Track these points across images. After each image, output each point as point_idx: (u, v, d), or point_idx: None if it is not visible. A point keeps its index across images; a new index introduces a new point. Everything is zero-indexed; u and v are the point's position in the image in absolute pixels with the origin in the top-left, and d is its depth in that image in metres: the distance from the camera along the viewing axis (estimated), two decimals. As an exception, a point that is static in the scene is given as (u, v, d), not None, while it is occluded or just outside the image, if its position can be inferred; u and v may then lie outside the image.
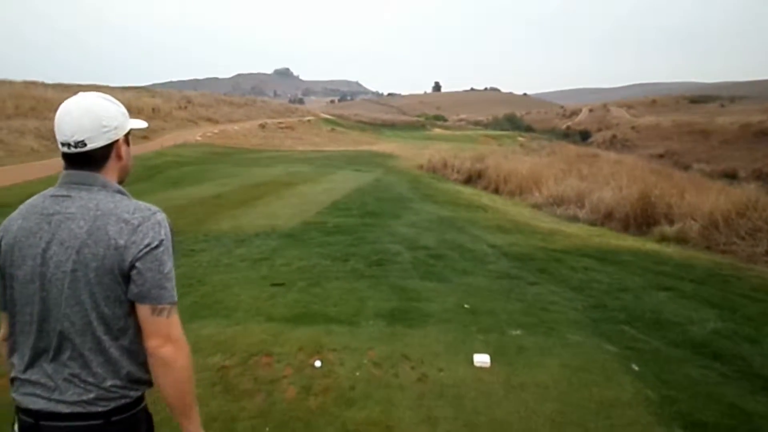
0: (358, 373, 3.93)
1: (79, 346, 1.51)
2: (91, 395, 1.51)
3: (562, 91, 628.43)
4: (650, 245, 9.94)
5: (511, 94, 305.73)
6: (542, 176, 18.01)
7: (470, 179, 21.43)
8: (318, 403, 3.53)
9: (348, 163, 23.75)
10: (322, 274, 6.50)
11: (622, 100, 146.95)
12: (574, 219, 13.29)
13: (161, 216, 1.59)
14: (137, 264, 1.50)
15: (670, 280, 7.05)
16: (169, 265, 1.56)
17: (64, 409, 1.50)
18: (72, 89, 40.01)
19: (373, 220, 10.25)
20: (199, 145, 27.20)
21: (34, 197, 1.61)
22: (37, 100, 28.72)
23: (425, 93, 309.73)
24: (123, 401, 1.56)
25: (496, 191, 18.93)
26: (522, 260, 7.68)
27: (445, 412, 3.45)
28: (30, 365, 1.55)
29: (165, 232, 1.57)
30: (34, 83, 38.10)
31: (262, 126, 42.79)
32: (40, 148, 20.80)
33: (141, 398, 1.63)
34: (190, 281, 6.07)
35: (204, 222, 9.56)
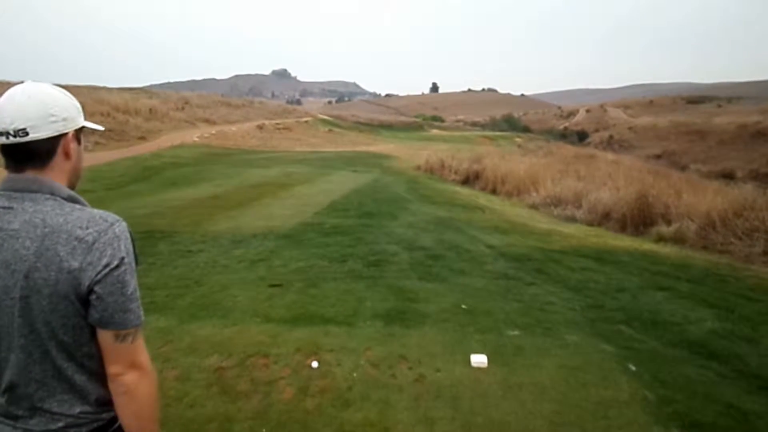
0: (355, 374, 3.93)
1: (39, 376, 1.37)
2: (60, 424, 1.39)
3: (559, 92, 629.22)
4: (647, 245, 9.94)
5: (508, 94, 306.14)
6: (540, 177, 18.01)
7: (468, 180, 21.42)
8: (315, 404, 3.53)
9: (346, 163, 23.73)
10: (320, 274, 6.49)
11: (620, 100, 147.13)
12: (572, 219, 13.29)
13: (120, 228, 1.40)
14: (96, 288, 1.32)
15: (668, 280, 7.06)
16: (132, 285, 1.39)
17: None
18: (69, 90, 39.90)
19: (370, 221, 10.24)
20: (197, 146, 27.14)
21: None
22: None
23: (423, 94, 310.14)
24: (95, 425, 1.43)
25: (494, 192, 18.93)
26: (519, 261, 7.68)
27: (442, 412, 3.45)
28: None
29: (125, 246, 1.39)
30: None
31: (260, 127, 42.71)
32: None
33: (115, 419, 1.47)
34: (187, 282, 6.06)
35: (201, 223, 9.54)
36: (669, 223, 11.10)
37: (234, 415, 3.38)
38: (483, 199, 16.84)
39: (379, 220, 10.37)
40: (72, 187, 1.47)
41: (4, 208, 1.34)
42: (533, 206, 15.64)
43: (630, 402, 3.61)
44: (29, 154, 1.36)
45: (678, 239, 10.26)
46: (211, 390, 3.69)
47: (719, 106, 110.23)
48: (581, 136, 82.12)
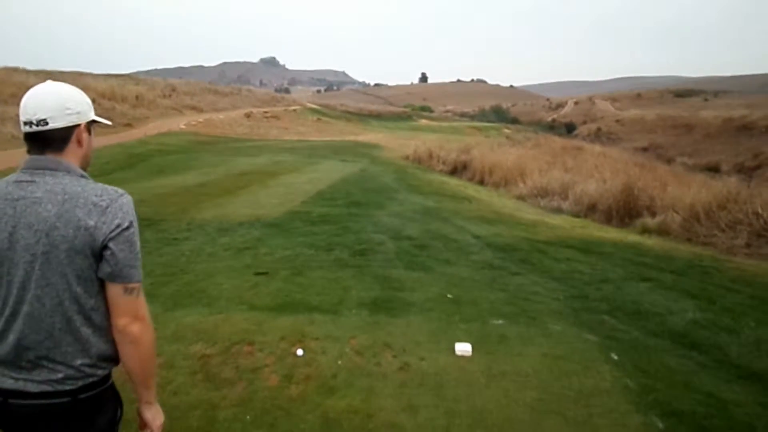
0: (340, 362, 3.94)
1: (49, 326, 1.54)
2: (60, 375, 1.56)
3: (548, 84, 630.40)
4: (632, 237, 10.03)
5: (497, 86, 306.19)
6: (527, 168, 18.10)
7: (456, 170, 21.47)
8: (299, 391, 3.54)
9: (334, 153, 23.67)
10: (306, 263, 6.48)
11: (608, 93, 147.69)
12: (558, 210, 13.38)
13: (128, 198, 1.64)
14: (110, 244, 1.54)
15: (651, 272, 7.12)
16: (138, 246, 1.62)
17: (33, 388, 1.54)
18: (55, 76, 39.41)
19: (357, 210, 10.24)
20: (184, 134, 26.93)
21: None
22: (18, 87, 28.17)
23: (412, 84, 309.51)
24: (90, 380, 1.60)
25: (481, 182, 18.99)
26: (505, 251, 7.72)
27: (426, 400, 3.47)
28: None
29: (132, 213, 1.62)
30: (15, 69, 37.42)
31: (248, 115, 42.46)
32: (20, 135, 20.34)
33: (108, 376, 1.68)
34: (173, 270, 6.04)
35: (187, 211, 9.49)
36: (654, 215, 11.21)
37: (218, 403, 3.38)
38: (470, 189, 16.88)
39: (367, 210, 10.37)
40: (83, 169, 1.69)
41: (27, 181, 1.57)
42: (520, 197, 15.72)
43: (611, 390, 3.65)
44: (48, 141, 1.60)
45: (662, 231, 10.36)
46: (196, 377, 3.68)
47: (706, 99, 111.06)
48: (569, 128, 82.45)
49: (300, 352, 4.06)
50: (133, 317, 1.61)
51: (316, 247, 7.26)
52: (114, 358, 1.67)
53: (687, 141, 58.68)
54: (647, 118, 75.52)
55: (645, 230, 10.61)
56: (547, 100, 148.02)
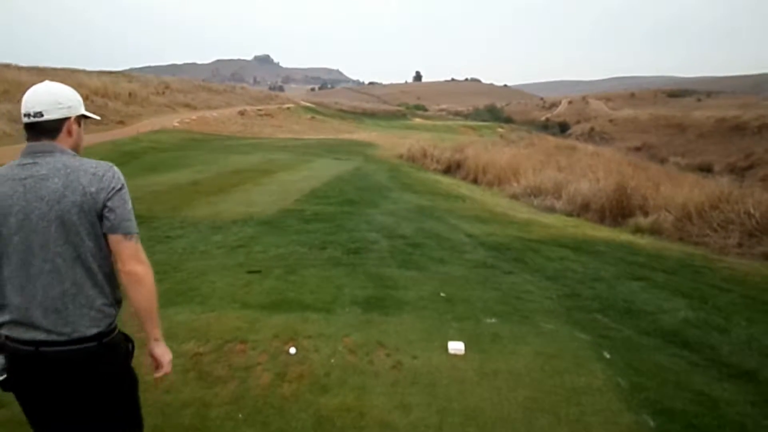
0: (333, 360, 3.94)
1: (71, 276, 1.86)
2: (85, 318, 1.88)
3: (542, 83, 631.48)
4: (625, 236, 10.06)
5: (491, 85, 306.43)
6: (521, 167, 18.13)
7: (449, 169, 21.49)
8: (292, 389, 3.53)
9: (327, 151, 23.65)
10: (299, 261, 6.48)
11: (602, 93, 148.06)
12: (551, 210, 13.41)
13: (116, 168, 1.97)
14: (108, 203, 1.88)
15: (643, 271, 7.15)
16: (130, 204, 1.95)
17: (63, 336, 1.86)
18: (47, 72, 39.22)
19: (351, 209, 10.23)
20: (177, 132, 26.86)
21: (1, 168, 1.92)
22: (10, 83, 28.04)
23: (406, 82, 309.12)
24: (107, 321, 1.94)
25: (475, 181, 19.01)
26: (498, 250, 7.74)
27: (418, 398, 3.47)
28: (25, 304, 1.85)
29: (122, 179, 1.95)
30: (7, 66, 37.20)
31: (242, 113, 42.36)
32: (12, 132, 20.31)
33: (114, 329, 2.00)
34: (165, 268, 6.02)
35: (180, 208, 9.46)
36: (646, 214, 11.25)
37: (210, 401, 3.38)
38: (464, 188, 16.91)
39: (360, 208, 10.37)
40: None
41: (30, 163, 1.88)
42: (514, 196, 15.74)
43: (603, 389, 3.67)
44: (43, 130, 1.92)
45: (655, 230, 10.40)
46: (188, 375, 3.67)
47: (699, 100, 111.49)
48: (563, 128, 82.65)
49: (293, 350, 4.06)
50: (136, 261, 1.92)
51: (310, 245, 7.26)
52: (120, 300, 2.01)
53: (680, 141, 58.93)
54: (640, 118, 75.79)
55: (638, 229, 10.65)
56: (541, 99, 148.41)
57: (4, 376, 1.91)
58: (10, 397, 3.28)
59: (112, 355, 1.99)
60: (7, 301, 1.88)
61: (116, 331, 2.01)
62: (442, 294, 5.46)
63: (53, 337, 1.85)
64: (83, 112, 2.03)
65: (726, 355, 4.45)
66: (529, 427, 3.22)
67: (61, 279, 1.86)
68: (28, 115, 1.92)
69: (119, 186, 1.92)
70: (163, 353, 2.11)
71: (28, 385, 1.93)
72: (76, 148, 1.99)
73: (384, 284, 5.70)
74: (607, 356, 4.19)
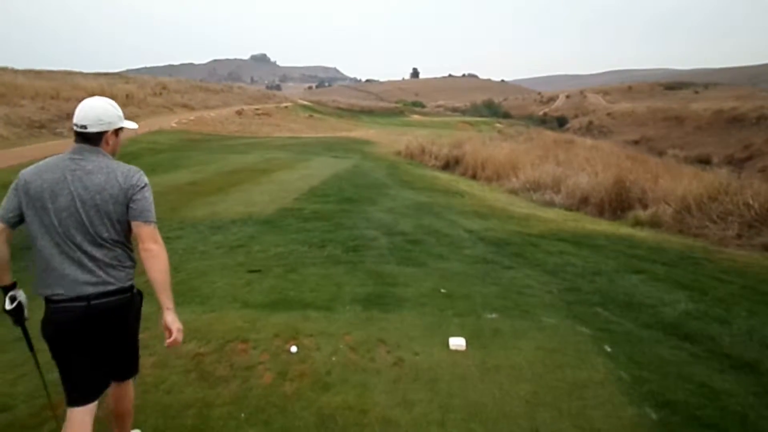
0: (334, 358, 3.95)
1: (111, 245, 2.45)
2: (122, 274, 2.49)
3: (539, 78, 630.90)
4: (624, 229, 10.06)
5: (489, 80, 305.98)
6: (519, 162, 18.10)
7: (448, 165, 21.46)
8: (294, 388, 3.54)
9: (326, 149, 23.62)
10: (299, 260, 6.48)
11: (599, 86, 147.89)
12: (551, 204, 13.39)
13: (142, 172, 2.55)
14: (134, 197, 2.45)
15: (643, 263, 7.15)
16: (151, 199, 2.52)
17: (111, 287, 2.44)
18: (44, 75, 39.14)
19: (350, 206, 10.23)
20: (175, 132, 26.80)
21: (53, 158, 2.46)
22: (7, 87, 27.95)
23: (403, 79, 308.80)
24: (130, 278, 2.55)
25: (474, 177, 18.99)
26: (498, 245, 7.73)
27: (420, 395, 3.48)
28: (72, 270, 2.39)
29: (146, 180, 2.54)
30: (4, 69, 37.16)
31: (239, 112, 42.29)
32: (10, 135, 20.29)
33: (133, 287, 2.59)
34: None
35: (180, 209, 9.45)
36: (646, 207, 11.24)
37: (212, 401, 3.38)
38: (463, 184, 16.89)
39: (359, 206, 10.37)
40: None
41: (78, 158, 2.43)
42: (513, 191, 15.72)
43: (605, 382, 3.67)
44: (87, 138, 2.46)
45: (654, 223, 10.39)
46: (190, 376, 3.68)
47: (696, 92, 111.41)
48: (561, 122, 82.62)
49: (294, 349, 4.06)
50: (153, 241, 2.46)
51: (309, 243, 7.25)
52: (134, 266, 2.59)
53: (678, 133, 58.92)
54: (638, 111, 75.73)
55: (637, 222, 10.64)
56: (539, 94, 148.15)
57: (14, 305, 2.64)
58: (14, 400, 3.29)
59: (136, 301, 2.63)
60: (53, 266, 2.39)
61: (134, 287, 2.60)
62: (442, 290, 5.46)
63: (100, 289, 2.40)
64: (120, 125, 2.54)
65: (727, 347, 4.45)
66: (532, 422, 3.22)
67: (102, 247, 2.43)
68: (76, 125, 2.45)
69: (143, 185, 2.49)
70: (173, 321, 2.45)
71: (75, 335, 2.44)
72: (112, 153, 2.55)
73: (384, 281, 5.71)
74: (609, 350, 4.19)
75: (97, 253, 2.42)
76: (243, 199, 10.69)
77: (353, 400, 3.40)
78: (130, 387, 2.84)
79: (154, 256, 2.45)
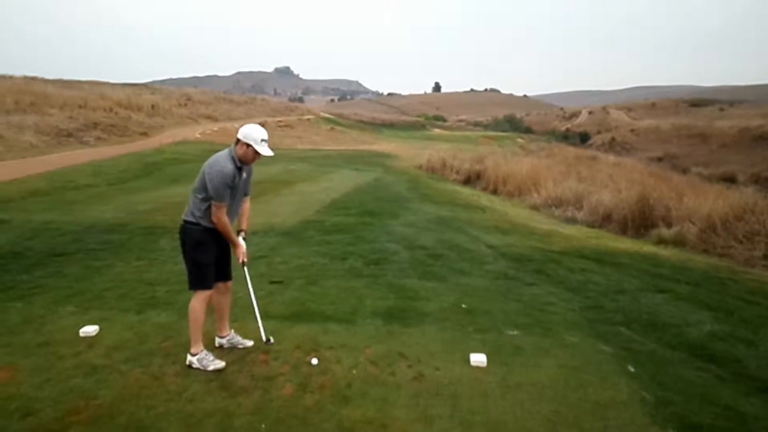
0: (354, 371, 3.95)
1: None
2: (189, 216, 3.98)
3: (561, 93, 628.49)
4: (648, 248, 9.95)
5: (511, 95, 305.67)
6: (541, 178, 18.03)
7: (469, 180, 21.45)
8: (314, 400, 3.54)
9: (347, 162, 23.74)
10: (320, 272, 6.51)
11: (622, 102, 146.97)
12: (572, 221, 13.31)
13: (218, 167, 3.83)
14: (208, 185, 3.82)
15: (667, 283, 7.06)
16: (217, 186, 3.78)
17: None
18: (72, 85, 39.91)
19: (371, 220, 10.25)
20: (199, 143, 27.09)
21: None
22: (37, 96, 28.58)
23: (425, 93, 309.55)
24: (195, 218, 3.96)
25: (495, 192, 18.95)
26: (520, 261, 7.69)
27: (441, 411, 3.46)
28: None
29: (217, 171, 3.81)
30: (34, 79, 37.98)
31: (262, 124, 42.39)
32: (39, 143, 20.72)
33: (198, 224, 3.95)
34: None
35: (202, 219, 9.54)
36: (670, 225, 11.12)
37: (233, 411, 3.39)
38: (484, 199, 16.85)
39: (380, 219, 10.39)
40: (239, 159, 3.93)
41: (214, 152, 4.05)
42: (534, 207, 15.66)
43: (628, 403, 3.62)
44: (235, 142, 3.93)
45: (678, 242, 10.27)
46: (211, 385, 3.70)
47: (722, 109, 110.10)
48: (583, 138, 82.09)
49: (314, 361, 4.07)
50: (215, 213, 3.84)
51: (331, 256, 7.28)
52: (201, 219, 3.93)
53: (702, 151, 58.25)
54: (662, 128, 75.09)
55: (661, 241, 10.52)
56: (561, 109, 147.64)
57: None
58: (40, 404, 3.35)
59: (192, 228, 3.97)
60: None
61: (199, 224, 3.93)
62: (463, 305, 5.44)
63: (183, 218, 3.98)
64: (254, 146, 3.84)
65: (753, 369, 4.37)
66: (553, 441, 3.19)
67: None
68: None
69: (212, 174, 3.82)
70: (240, 246, 4.19)
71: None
72: (237, 155, 3.90)
73: (405, 295, 5.70)
74: (632, 369, 4.14)
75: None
76: (265, 210, 10.76)
77: (373, 413, 3.40)
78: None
79: (217, 222, 3.89)
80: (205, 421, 3.28)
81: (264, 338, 4.08)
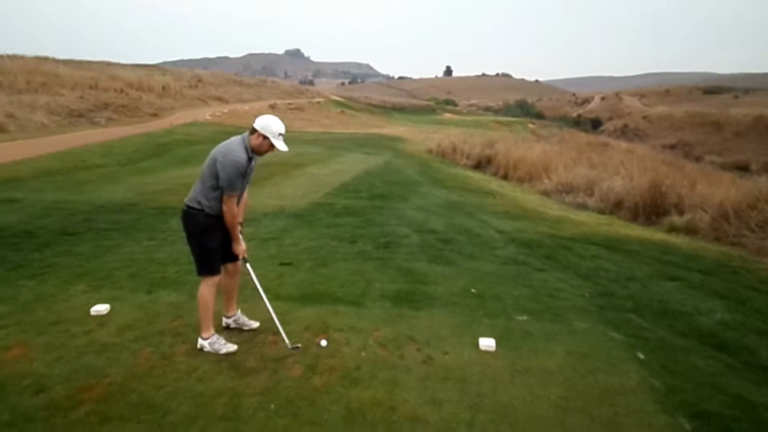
0: (363, 354, 3.96)
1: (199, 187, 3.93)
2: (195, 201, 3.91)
3: (574, 79, 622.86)
4: (659, 235, 9.88)
5: (522, 80, 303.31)
6: (552, 163, 17.92)
7: (479, 165, 21.35)
8: (323, 382, 3.55)
9: (357, 145, 23.68)
10: (330, 254, 6.51)
11: (635, 89, 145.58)
12: (583, 207, 13.22)
13: (231, 158, 3.76)
14: (220, 174, 3.75)
15: (678, 271, 7.02)
16: (229, 176, 3.72)
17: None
18: (83, 66, 39.94)
19: (381, 203, 10.24)
20: (209, 124, 27.11)
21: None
22: (48, 76, 28.66)
23: (436, 77, 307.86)
24: (201, 205, 3.87)
25: (505, 177, 18.85)
26: (530, 246, 7.66)
27: (449, 394, 3.46)
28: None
29: (230, 161, 3.74)
30: (45, 59, 38.03)
31: (272, 107, 42.60)
32: (50, 123, 20.79)
33: (203, 210, 3.85)
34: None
35: (213, 200, 9.55)
36: (682, 213, 11.02)
37: (243, 391, 3.41)
38: (494, 184, 16.78)
39: (390, 202, 10.37)
40: (253, 149, 3.89)
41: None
42: (545, 193, 15.57)
43: (637, 390, 3.61)
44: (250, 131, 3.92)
45: (690, 230, 10.19)
46: (221, 365, 3.72)
47: (736, 97, 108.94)
48: (595, 124, 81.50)
49: (324, 342, 4.08)
50: (226, 202, 3.79)
51: (340, 238, 7.28)
52: (207, 207, 3.85)
53: (716, 139, 57.68)
54: (675, 115, 74.36)
55: (672, 228, 10.44)
56: (573, 95, 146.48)
57: None
58: (51, 381, 3.38)
59: (197, 214, 3.87)
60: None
61: (204, 211, 3.84)
62: (472, 290, 5.43)
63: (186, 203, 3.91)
64: (271, 138, 3.83)
65: (764, 359, 4.35)
66: (562, 427, 3.18)
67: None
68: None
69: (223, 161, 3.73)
70: (240, 243, 4.05)
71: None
72: (251, 145, 3.84)
73: (414, 279, 5.70)
74: (642, 357, 4.13)
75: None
76: (275, 193, 10.78)
77: (382, 396, 3.41)
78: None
79: (227, 212, 3.82)
80: (215, 400, 3.30)
81: (290, 346, 3.94)
